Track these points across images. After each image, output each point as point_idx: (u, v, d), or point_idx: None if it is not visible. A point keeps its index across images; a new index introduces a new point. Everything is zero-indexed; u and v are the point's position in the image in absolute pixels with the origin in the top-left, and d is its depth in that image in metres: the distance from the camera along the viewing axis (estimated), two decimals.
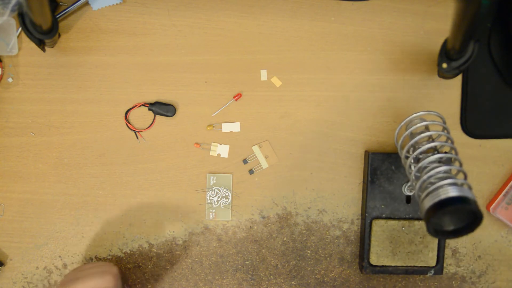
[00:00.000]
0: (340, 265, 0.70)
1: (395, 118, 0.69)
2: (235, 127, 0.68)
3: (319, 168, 0.69)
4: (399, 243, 0.66)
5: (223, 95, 0.68)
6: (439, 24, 0.68)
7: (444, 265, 0.69)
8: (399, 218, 0.67)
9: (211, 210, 0.69)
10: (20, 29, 0.66)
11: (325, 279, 0.70)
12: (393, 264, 0.67)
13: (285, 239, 0.70)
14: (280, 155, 0.69)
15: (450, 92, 0.69)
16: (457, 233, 0.52)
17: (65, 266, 0.69)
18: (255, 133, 0.68)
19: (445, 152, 0.56)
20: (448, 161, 0.56)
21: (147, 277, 0.70)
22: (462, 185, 0.52)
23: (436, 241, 0.67)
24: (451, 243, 0.70)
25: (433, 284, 0.71)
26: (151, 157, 0.68)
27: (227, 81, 0.68)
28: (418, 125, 0.58)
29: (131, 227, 0.69)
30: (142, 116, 0.68)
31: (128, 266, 0.70)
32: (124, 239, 0.69)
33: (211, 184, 0.69)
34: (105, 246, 0.69)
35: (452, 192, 0.50)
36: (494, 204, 0.69)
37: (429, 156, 0.56)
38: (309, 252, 0.70)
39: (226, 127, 0.68)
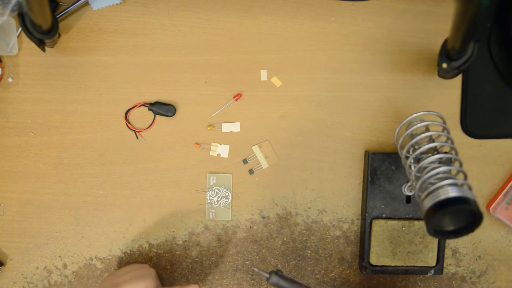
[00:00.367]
0: (340, 265, 0.70)
1: (395, 118, 0.69)
2: (235, 127, 0.68)
3: (319, 168, 0.69)
4: (399, 243, 0.66)
5: (223, 95, 0.68)
6: (439, 24, 0.68)
7: (444, 265, 0.69)
8: (399, 218, 0.67)
9: (211, 210, 0.69)
10: (20, 29, 0.66)
11: (325, 279, 0.70)
12: (393, 264, 0.67)
13: (285, 239, 0.70)
14: (280, 155, 0.69)
15: (450, 92, 0.69)
16: (457, 233, 0.52)
17: (65, 266, 0.69)
18: (255, 133, 0.69)
19: (445, 152, 0.56)
20: (448, 161, 0.56)
21: None
22: (462, 185, 0.52)
23: (436, 241, 0.67)
24: (451, 243, 0.70)
25: (433, 284, 0.71)
26: (151, 157, 0.68)
27: (227, 81, 0.68)
28: (418, 125, 0.58)
29: (131, 227, 0.69)
30: (142, 116, 0.68)
31: None
32: (124, 239, 0.69)
33: (211, 184, 0.69)
34: (105, 246, 0.69)
35: (452, 192, 0.50)
36: (494, 204, 0.69)
37: (429, 156, 0.56)
38: (309, 252, 0.70)
39: (226, 127, 0.68)
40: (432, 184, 0.52)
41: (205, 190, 0.69)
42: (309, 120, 0.68)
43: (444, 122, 0.58)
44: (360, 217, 0.69)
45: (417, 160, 0.57)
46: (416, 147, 0.58)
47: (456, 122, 0.69)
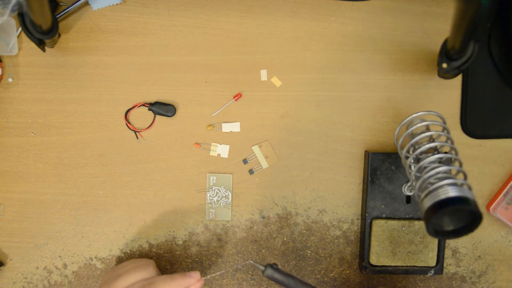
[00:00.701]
0: (340, 265, 0.70)
1: (395, 118, 0.69)
2: (235, 127, 0.68)
3: (319, 168, 0.69)
4: (399, 243, 0.66)
5: (223, 95, 0.68)
6: (439, 24, 0.68)
7: (444, 265, 0.69)
8: (399, 218, 0.67)
9: (211, 210, 0.69)
10: (20, 29, 0.66)
11: (325, 279, 0.70)
12: (393, 264, 0.67)
13: (285, 239, 0.70)
14: (280, 155, 0.69)
15: (450, 92, 0.69)
16: (457, 233, 0.52)
17: (65, 266, 0.69)
18: (255, 133, 0.69)
19: (445, 152, 0.56)
20: (448, 161, 0.56)
21: None
22: (462, 185, 0.52)
23: (436, 241, 0.67)
24: (451, 243, 0.70)
25: (433, 284, 0.71)
26: (151, 157, 0.68)
27: (227, 81, 0.68)
28: (418, 125, 0.58)
29: (131, 227, 0.69)
30: (142, 116, 0.68)
31: None
32: (124, 239, 0.69)
33: (211, 184, 0.69)
34: (105, 246, 0.69)
35: (452, 192, 0.50)
36: (494, 204, 0.69)
37: (429, 156, 0.56)
38: (309, 252, 0.70)
39: (226, 127, 0.68)
40: (432, 184, 0.52)
41: (205, 190, 0.69)
42: (309, 120, 0.69)
43: (444, 122, 0.58)
44: (360, 217, 0.69)
45: (417, 160, 0.57)
46: (416, 147, 0.58)
47: (456, 122, 0.69)
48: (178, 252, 0.70)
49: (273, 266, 0.58)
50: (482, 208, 0.70)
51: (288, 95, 0.68)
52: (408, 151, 0.59)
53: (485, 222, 0.70)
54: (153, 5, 0.67)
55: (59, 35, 0.66)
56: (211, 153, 0.68)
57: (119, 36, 0.67)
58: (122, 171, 0.68)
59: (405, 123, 0.59)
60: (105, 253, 0.69)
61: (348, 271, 0.70)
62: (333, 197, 0.69)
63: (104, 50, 0.67)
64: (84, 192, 0.69)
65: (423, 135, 0.57)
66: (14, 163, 0.68)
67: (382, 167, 0.66)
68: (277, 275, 0.57)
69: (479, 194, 0.70)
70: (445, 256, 0.69)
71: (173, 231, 0.69)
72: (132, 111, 0.68)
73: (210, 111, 0.68)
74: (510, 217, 0.69)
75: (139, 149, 0.68)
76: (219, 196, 0.69)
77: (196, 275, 0.59)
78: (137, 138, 0.68)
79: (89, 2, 0.66)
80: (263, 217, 0.69)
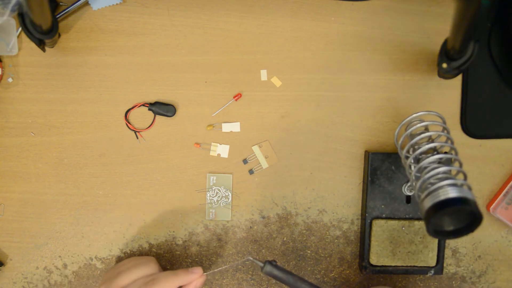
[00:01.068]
0: (340, 265, 0.70)
1: (395, 118, 0.69)
2: (235, 127, 0.68)
3: (319, 168, 0.69)
4: (399, 243, 0.66)
5: (223, 95, 0.68)
6: (439, 24, 0.68)
7: (444, 265, 0.69)
8: (399, 218, 0.67)
9: (211, 210, 0.69)
10: (20, 29, 0.66)
11: (325, 279, 0.70)
12: (393, 264, 0.67)
13: (285, 239, 0.70)
14: (280, 155, 0.69)
15: (450, 92, 0.69)
16: (457, 233, 0.52)
17: (65, 266, 0.69)
18: (255, 133, 0.69)
19: (445, 153, 0.56)
20: (448, 162, 0.56)
21: None
22: (462, 185, 0.52)
23: (436, 241, 0.67)
24: (451, 243, 0.70)
25: (433, 284, 0.71)
26: (151, 157, 0.68)
27: (227, 81, 0.68)
28: (418, 125, 0.58)
29: (131, 227, 0.69)
30: (142, 116, 0.68)
31: None
32: (124, 239, 0.69)
33: (211, 184, 0.69)
34: (105, 246, 0.69)
35: (452, 193, 0.50)
36: (494, 204, 0.69)
37: (429, 157, 0.56)
38: (309, 252, 0.70)
39: (226, 127, 0.68)
40: (432, 184, 0.52)
41: (205, 190, 0.69)
42: (309, 120, 0.69)
43: (444, 122, 0.58)
44: (360, 217, 0.69)
45: (417, 160, 0.57)
46: (416, 147, 0.58)
47: (456, 122, 0.69)
48: (178, 252, 0.70)
49: (272, 262, 0.58)
50: (482, 208, 0.70)
51: (288, 95, 0.68)
52: (408, 151, 0.59)
53: (485, 222, 0.70)
54: (153, 5, 0.67)
55: (59, 35, 0.66)
56: (211, 153, 0.68)
57: (119, 36, 0.67)
58: (122, 171, 0.68)
59: (405, 123, 0.59)
60: (105, 253, 0.69)
61: (348, 271, 0.70)
62: (333, 197, 0.69)
63: (104, 50, 0.67)
64: (84, 192, 0.69)
65: (423, 135, 0.57)
66: (14, 163, 0.68)
67: (382, 167, 0.66)
68: (276, 272, 0.57)
69: (479, 194, 0.70)
70: (445, 256, 0.69)
71: (173, 231, 0.69)
72: (132, 111, 0.68)
73: (210, 111, 0.68)
74: (510, 217, 0.69)
75: (139, 149, 0.68)
76: (219, 196, 0.69)
77: (198, 270, 0.59)
78: (137, 138, 0.68)
79: (89, 2, 0.66)
80: (263, 217, 0.69)
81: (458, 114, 0.69)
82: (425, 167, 0.55)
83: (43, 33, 0.60)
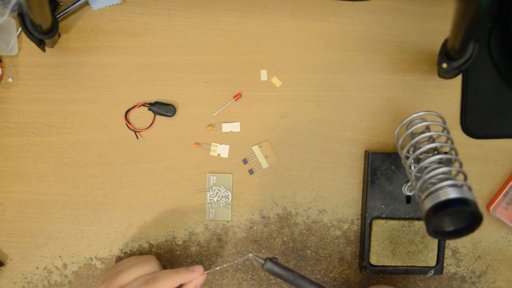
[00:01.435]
0: (340, 265, 0.70)
1: (395, 118, 0.69)
2: (235, 127, 0.68)
3: (319, 168, 0.69)
4: (399, 243, 0.66)
5: (223, 95, 0.68)
6: (439, 24, 0.68)
7: (444, 265, 0.69)
8: (399, 218, 0.67)
9: (211, 210, 0.69)
10: (20, 29, 0.66)
11: (325, 279, 0.70)
12: (393, 264, 0.67)
13: (285, 239, 0.70)
14: (280, 155, 0.69)
15: (450, 92, 0.69)
16: (457, 234, 0.52)
17: (65, 266, 0.69)
18: (255, 133, 0.68)
19: (445, 153, 0.56)
20: (448, 162, 0.56)
21: None
22: (462, 186, 0.52)
23: (436, 241, 0.67)
24: (451, 243, 0.70)
25: (433, 284, 0.71)
26: (151, 157, 0.68)
27: (227, 81, 0.68)
28: (418, 125, 0.58)
29: (131, 227, 0.69)
30: (142, 116, 0.68)
31: None
32: (124, 239, 0.69)
33: (211, 184, 0.69)
34: (105, 246, 0.69)
35: (452, 193, 0.50)
36: (494, 204, 0.69)
37: (429, 157, 0.56)
38: (309, 252, 0.70)
39: (226, 127, 0.68)
40: (432, 184, 0.52)
41: (205, 190, 0.69)
42: (309, 120, 0.68)
43: (444, 122, 0.58)
44: (360, 217, 0.69)
45: (417, 160, 0.57)
46: (416, 147, 0.58)
47: (456, 122, 0.69)
48: (178, 252, 0.70)
49: (272, 259, 0.58)
50: (482, 208, 0.70)
51: (288, 95, 0.68)
52: (408, 151, 0.59)
53: (485, 222, 0.70)
54: (153, 5, 0.67)
55: (59, 35, 0.66)
56: (211, 153, 0.68)
57: (119, 36, 0.67)
58: (122, 171, 0.68)
59: (405, 123, 0.59)
60: (105, 253, 0.69)
61: (348, 271, 0.70)
62: (333, 197, 0.69)
63: (104, 50, 0.67)
64: (84, 192, 0.69)
65: (423, 135, 0.57)
66: (14, 163, 0.68)
67: (382, 167, 0.66)
68: (276, 269, 0.57)
69: (479, 194, 0.70)
70: (445, 256, 0.69)
71: (173, 231, 0.69)
72: (132, 111, 0.68)
73: (210, 111, 0.68)
74: (510, 217, 0.69)
75: (139, 149, 0.68)
76: (219, 196, 0.69)
77: (199, 269, 0.59)
78: (137, 138, 0.68)
79: (89, 2, 0.66)
80: (263, 217, 0.69)
81: (458, 114, 0.69)
82: (426, 167, 0.55)
83: (43, 33, 0.60)
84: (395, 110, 0.69)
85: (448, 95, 0.69)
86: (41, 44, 0.63)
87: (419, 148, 0.57)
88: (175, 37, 0.67)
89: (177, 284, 0.58)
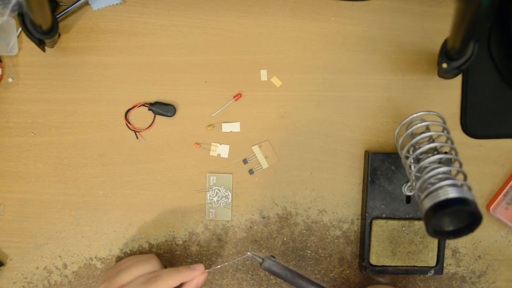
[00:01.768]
0: (340, 265, 0.70)
1: (395, 118, 0.69)
2: (235, 127, 0.68)
3: (319, 168, 0.69)
4: (399, 243, 0.66)
5: (223, 95, 0.68)
6: (439, 24, 0.68)
7: (444, 265, 0.69)
8: (399, 218, 0.67)
9: (211, 210, 0.69)
10: (20, 29, 0.66)
11: (325, 279, 0.70)
12: (393, 264, 0.67)
13: (285, 239, 0.70)
14: (280, 155, 0.69)
15: (450, 92, 0.69)
16: (456, 233, 0.52)
17: (65, 266, 0.69)
18: (255, 133, 0.69)
19: (445, 153, 0.56)
20: (448, 162, 0.56)
21: None
22: (462, 186, 0.52)
23: (436, 241, 0.67)
24: (451, 243, 0.70)
25: (433, 284, 0.71)
26: (151, 157, 0.68)
27: (227, 81, 0.68)
28: (418, 125, 0.58)
29: (131, 227, 0.69)
30: (142, 116, 0.68)
31: None
32: (124, 239, 0.69)
33: (211, 184, 0.69)
34: (105, 246, 0.69)
35: (452, 193, 0.50)
36: (494, 204, 0.69)
37: (429, 157, 0.56)
38: (309, 252, 0.70)
39: (226, 127, 0.68)
40: (432, 184, 0.52)
41: (205, 190, 0.69)
42: (309, 120, 0.69)
43: (444, 122, 0.58)
44: (360, 217, 0.69)
45: (417, 160, 0.57)
46: (416, 147, 0.58)
47: (456, 122, 0.69)
48: (178, 252, 0.70)
49: (271, 258, 0.58)
50: (482, 208, 0.70)
51: (288, 95, 0.68)
52: (408, 151, 0.59)
53: (485, 222, 0.70)
54: (153, 5, 0.67)
55: (59, 35, 0.66)
56: (211, 153, 0.68)
57: (119, 36, 0.67)
58: (122, 171, 0.68)
59: (405, 123, 0.59)
60: (105, 253, 0.69)
61: (348, 271, 0.70)
62: (333, 197, 0.69)
63: (104, 50, 0.67)
64: (84, 192, 0.69)
65: (423, 135, 0.57)
66: (14, 163, 0.68)
67: (382, 167, 0.66)
68: (274, 267, 0.57)
69: (479, 194, 0.70)
70: (445, 256, 0.69)
71: (173, 231, 0.69)
72: (132, 111, 0.68)
73: (210, 111, 0.68)
74: (510, 217, 0.69)
75: (139, 149, 0.68)
76: (219, 196, 0.69)
77: (200, 267, 0.59)
78: (137, 138, 0.68)
79: (89, 2, 0.66)
80: (263, 217, 0.69)
81: (458, 114, 0.69)
82: (425, 167, 0.55)
83: (43, 33, 0.60)
84: (395, 110, 0.69)
85: (448, 95, 0.69)
86: (41, 44, 0.63)
87: (419, 148, 0.57)
88: (175, 37, 0.67)
89: (179, 283, 0.58)
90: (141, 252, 0.70)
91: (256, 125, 0.68)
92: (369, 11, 0.68)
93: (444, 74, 0.63)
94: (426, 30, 0.68)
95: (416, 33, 0.68)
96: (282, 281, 0.69)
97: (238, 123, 0.68)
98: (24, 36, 0.67)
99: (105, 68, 0.67)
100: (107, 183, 0.69)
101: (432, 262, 0.67)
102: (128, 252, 0.70)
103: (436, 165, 0.55)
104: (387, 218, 0.67)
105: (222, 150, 0.68)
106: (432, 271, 0.67)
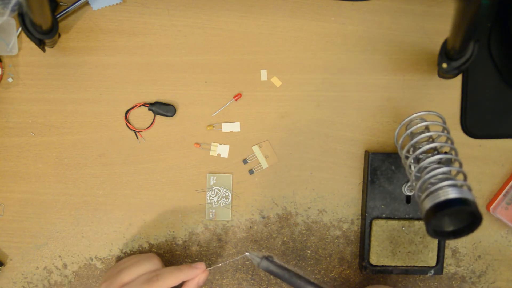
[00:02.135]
0: (340, 265, 0.70)
1: (395, 118, 0.69)
2: (235, 127, 0.68)
3: (319, 168, 0.69)
4: (399, 243, 0.66)
5: (223, 95, 0.68)
6: (439, 24, 0.68)
7: (444, 265, 0.69)
8: (399, 218, 0.67)
9: (211, 210, 0.69)
10: (20, 29, 0.66)
11: (325, 279, 0.70)
12: (393, 264, 0.67)
13: (285, 239, 0.70)
14: (280, 155, 0.69)
15: (450, 92, 0.69)
16: (456, 234, 0.52)
17: (65, 266, 0.69)
18: (255, 133, 0.69)
19: (445, 153, 0.56)
20: (448, 162, 0.56)
21: None
22: (462, 186, 0.52)
23: (436, 241, 0.67)
24: (451, 243, 0.70)
25: (433, 284, 0.71)
26: (151, 157, 0.68)
27: (227, 81, 0.68)
28: (418, 125, 0.58)
29: (131, 227, 0.69)
30: (142, 116, 0.68)
31: None
32: (124, 239, 0.69)
33: (211, 184, 0.69)
34: (105, 246, 0.69)
35: (452, 193, 0.50)
36: (494, 204, 0.69)
37: (429, 157, 0.56)
38: (309, 252, 0.70)
39: (226, 127, 0.68)
40: (432, 184, 0.52)
41: (205, 190, 0.69)
42: (309, 120, 0.69)
43: (444, 122, 0.58)
44: (360, 217, 0.69)
45: (417, 160, 0.57)
46: (416, 147, 0.58)
47: (456, 122, 0.69)
48: (178, 252, 0.70)
49: (268, 258, 0.58)
50: (482, 208, 0.70)
51: (288, 95, 0.68)
52: (408, 151, 0.59)
53: (485, 222, 0.70)
54: (153, 5, 0.67)
55: (59, 35, 0.66)
56: (211, 153, 0.68)
57: (119, 36, 0.67)
58: (122, 171, 0.68)
59: (405, 123, 0.59)
60: (105, 253, 0.69)
61: (348, 271, 0.70)
62: (333, 197, 0.69)
63: (104, 50, 0.67)
64: (84, 192, 0.69)
65: (423, 135, 0.57)
66: (14, 163, 0.68)
67: (382, 167, 0.66)
68: (272, 267, 0.58)
69: (479, 194, 0.70)
70: (445, 256, 0.69)
71: (173, 231, 0.69)
72: (132, 111, 0.68)
73: (210, 111, 0.68)
74: (510, 217, 0.69)
75: (139, 149, 0.68)
76: (219, 196, 0.69)
77: (201, 265, 0.59)
78: (137, 138, 0.68)
79: (89, 2, 0.66)
80: (263, 217, 0.69)
81: (458, 114, 0.69)
82: (425, 167, 0.55)
83: (43, 33, 0.60)
84: (395, 110, 0.69)
85: (448, 95, 0.69)
86: (41, 44, 0.63)
87: (419, 148, 0.57)
88: (175, 37, 0.67)
89: (180, 281, 0.58)
90: (141, 252, 0.70)
91: (256, 125, 0.68)
92: (369, 11, 0.68)
93: (444, 74, 0.63)
94: (426, 30, 0.68)
95: (416, 33, 0.68)
96: (282, 281, 0.69)
97: (238, 123, 0.68)
98: (24, 36, 0.67)
99: (105, 68, 0.67)
100: (107, 183, 0.69)
101: (432, 262, 0.67)
102: (128, 252, 0.70)
103: (436, 165, 0.55)
104: (387, 218, 0.67)
105: (222, 150, 0.68)
106: (432, 271, 0.67)
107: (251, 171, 0.69)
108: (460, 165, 0.55)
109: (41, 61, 0.67)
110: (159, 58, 0.68)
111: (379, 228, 0.66)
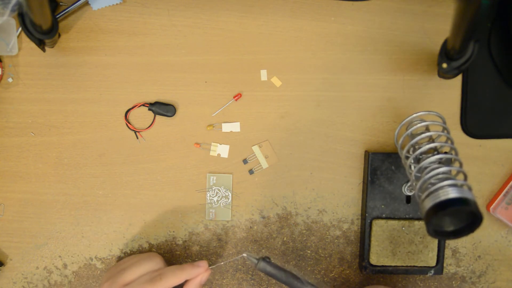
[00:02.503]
0: (340, 265, 0.70)
1: (395, 118, 0.69)
2: (235, 127, 0.68)
3: (319, 168, 0.69)
4: (399, 243, 0.66)
5: (223, 95, 0.68)
6: (439, 24, 0.68)
7: (444, 265, 0.69)
8: (399, 218, 0.67)
9: (211, 210, 0.69)
10: (20, 29, 0.66)
11: (325, 279, 0.70)
12: (393, 264, 0.67)
13: (285, 239, 0.70)
14: (280, 155, 0.69)
15: (450, 92, 0.69)
16: (457, 234, 0.52)
17: (65, 266, 0.69)
18: (255, 133, 0.69)
19: (445, 153, 0.56)
20: (448, 162, 0.56)
21: None
22: (462, 186, 0.52)
23: (436, 241, 0.67)
24: (451, 243, 0.70)
25: (433, 284, 0.71)
26: (151, 157, 0.68)
27: (227, 81, 0.68)
28: (418, 125, 0.58)
29: (131, 227, 0.69)
30: (142, 116, 0.68)
31: None
32: (124, 239, 0.69)
33: (211, 184, 0.69)
34: (105, 246, 0.69)
35: (452, 193, 0.50)
36: (494, 204, 0.69)
37: (429, 157, 0.56)
38: (309, 252, 0.70)
39: (226, 127, 0.68)
40: (432, 184, 0.52)
41: (205, 190, 0.69)
42: (309, 120, 0.69)
43: (444, 122, 0.58)
44: (360, 217, 0.69)
45: (417, 160, 0.57)
46: (416, 147, 0.58)
47: (456, 122, 0.69)
48: (178, 252, 0.70)
49: (265, 259, 0.58)
50: (482, 208, 0.70)
51: (288, 95, 0.68)
52: (408, 151, 0.59)
53: (485, 222, 0.70)
54: (153, 5, 0.67)
55: (59, 35, 0.66)
56: (211, 153, 0.68)
57: (119, 36, 0.67)
58: (122, 171, 0.68)
59: (405, 123, 0.59)
60: (105, 253, 0.69)
61: (348, 271, 0.70)
62: (333, 197, 0.69)
63: (104, 50, 0.67)
64: (84, 192, 0.69)
65: (423, 135, 0.57)
66: (14, 163, 0.68)
67: (382, 167, 0.66)
68: (269, 268, 0.58)
69: (479, 194, 0.70)
70: (445, 256, 0.69)
71: (173, 231, 0.69)
72: (132, 111, 0.68)
73: (210, 111, 0.68)
74: (510, 217, 0.69)
75: (139, 149, 0.68)
76: (219, 196, 0.69)
77: (204, 264, 0.59)
78: (137, 138, 0.68)
79: (89, 2, 0.66)
80: (263, 217, 0.69)
81: (458, 114, 0.69)
82: (426, 167, 0.55)
83: (43, 33, 0.60)
84: (395, 110, 0.69)
85: (448, 95, 0.69)
86: (41, 44, 0.63)
87: (419, 148, 0.57)
88: (175, 37, 0.67)
89: (183, 280, 0.58)
90: (141, 252, 0.70)
91: (256, 125, 0.68)
92: (369, 11, 0.68)
93: (444, 74, 0.63)
94: (426, 30, 0.68)
95: (416, 33, 0.68)
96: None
97: (238, 123, 0.68)
98: (24, 36, 0.67)
99: (105, 68, 0.67)
100: (107, 183, 0.69)
101: (432, 262, 0.67)
102: (128, 252, 0.70)
103: (436, 165, 0.55)
104: (387, 218, 0.67)
105: (222, 150, 0.68)
106: (432, 271, 0.67)
107: (251, 171, 0.69)
108: (460, 165, 0.55)
109: (41, 61, 0.67)
110: (159, 58, 0.68)
111: (379, 228, 0.66)
